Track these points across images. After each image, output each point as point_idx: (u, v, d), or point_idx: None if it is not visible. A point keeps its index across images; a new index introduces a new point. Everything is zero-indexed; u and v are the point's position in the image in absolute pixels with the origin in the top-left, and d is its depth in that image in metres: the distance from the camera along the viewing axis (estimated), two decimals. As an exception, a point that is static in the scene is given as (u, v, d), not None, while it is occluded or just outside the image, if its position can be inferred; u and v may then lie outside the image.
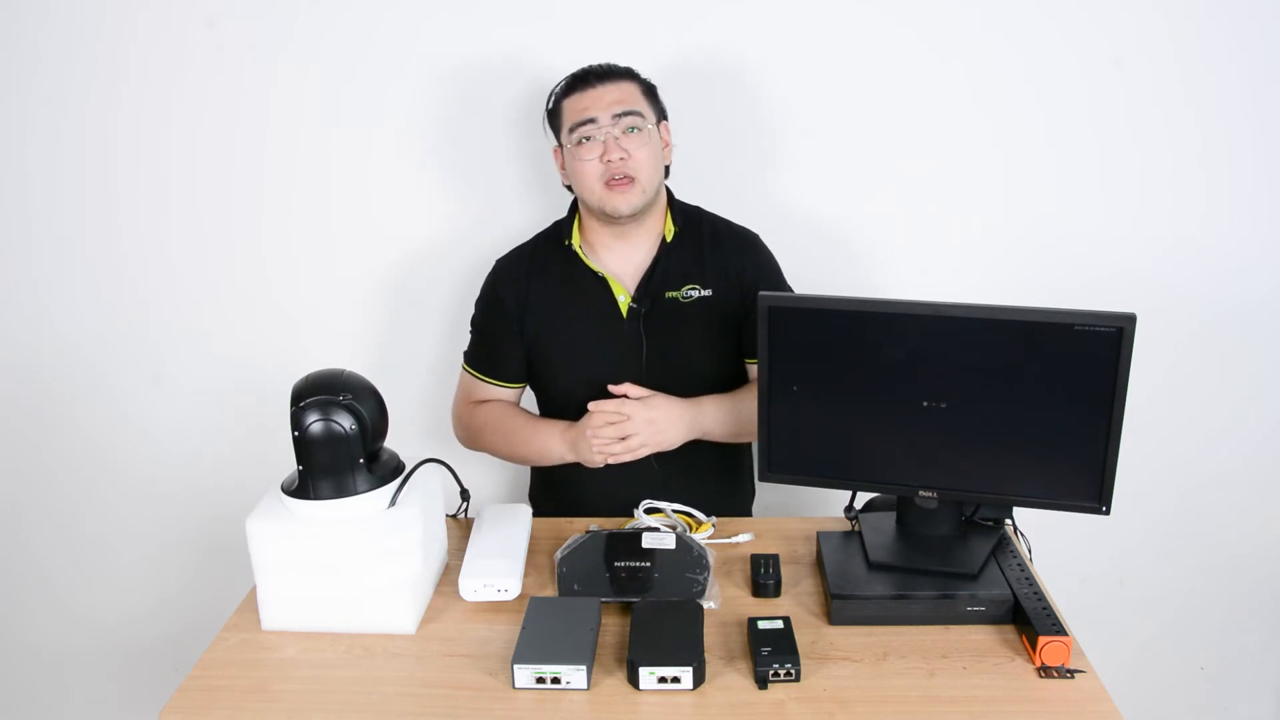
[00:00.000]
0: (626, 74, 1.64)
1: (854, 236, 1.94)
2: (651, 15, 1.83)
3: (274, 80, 1.89)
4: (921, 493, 1.37)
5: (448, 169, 1.94)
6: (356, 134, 1.92)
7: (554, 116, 1.66)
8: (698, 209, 1.75)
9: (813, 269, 1.83)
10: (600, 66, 1.64)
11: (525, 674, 1.18)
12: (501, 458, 1.77)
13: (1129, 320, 1.21)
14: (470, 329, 1.79)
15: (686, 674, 1.16)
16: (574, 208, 1.72)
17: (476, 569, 1.37)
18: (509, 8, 1.84)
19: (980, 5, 1.81)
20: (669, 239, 1.68)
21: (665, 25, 1.83)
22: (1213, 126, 1.85)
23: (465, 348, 1.80)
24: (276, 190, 1.96)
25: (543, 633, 1.23)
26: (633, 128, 1.59)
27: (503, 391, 1.76)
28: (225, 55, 1.88)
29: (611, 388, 1.62)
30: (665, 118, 1.70)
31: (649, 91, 1.66)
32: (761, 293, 1.35)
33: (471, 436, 1.78)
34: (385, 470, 1.33)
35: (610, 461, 1.60)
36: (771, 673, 1.18)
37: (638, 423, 1.58)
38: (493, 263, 1.76)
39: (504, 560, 1.39)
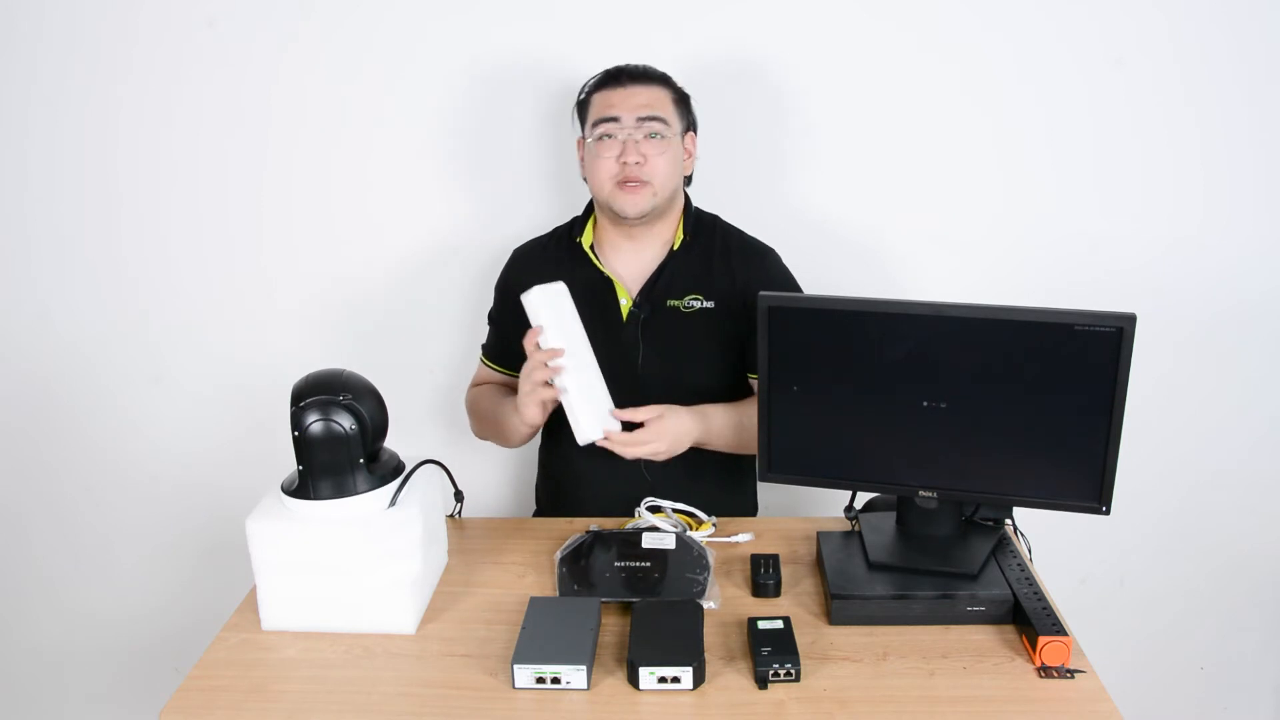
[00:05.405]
0: (661, 79, 1.63)
1: (854, 237, 1.94)
2: (659, 15, 1.83)
3: (275, 80, 1.89)
4: (921, 493, 1.37)
5: (450, 170, 1.94)
6: (357, 134, 1.92)
7: (583, 108, 1.66)
8: (714, 218, 1.73)
9: (813, 269, 1.83)
10: (636, 67, 1.63)
11: (525, 674, 1.18)
12: (496, 441, 1.75)
13: (1129, 320, 1.21)
14: (488, 320, 1.81)
15: (686, 674, 1.16)
16: (590, 205, 1.72)
17: None
18: (512, 5, 1.83)
19: (979, 6, 1.81)
20: (676, 247, 1.66)
21: (666, 26, 1.83)
22: (1213, 126, 1.85)
23: (481, 341, 1.82)
24: (277, 190, 1.96)
25: (542, 633, 1.23)
26: (655, 134, 1.58)
27: (511, 379, 1.76)
28: (225, 55, 1.88)
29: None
30: (694, 129, 1.68)
31: (680, 100, 1.65)
32: (761, 293, 1.34)
33: (471, 423, 1.80)
34: (385, 470, 1.33)
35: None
36: (771, 673, 1.18)
37: (663, 433, 1.51)
38: (499, 258, 1.78)
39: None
